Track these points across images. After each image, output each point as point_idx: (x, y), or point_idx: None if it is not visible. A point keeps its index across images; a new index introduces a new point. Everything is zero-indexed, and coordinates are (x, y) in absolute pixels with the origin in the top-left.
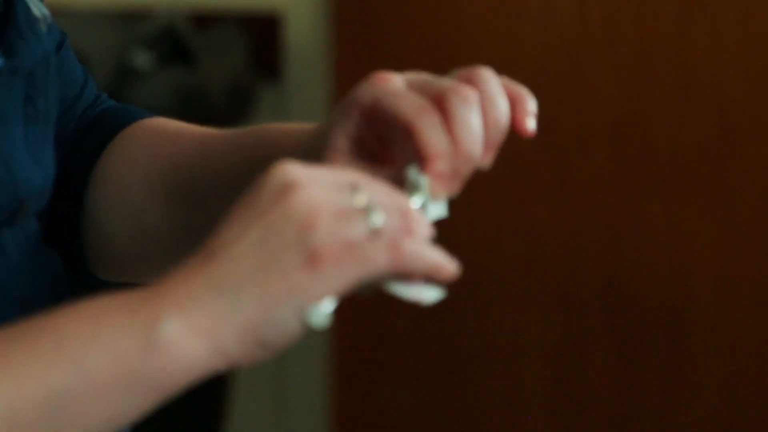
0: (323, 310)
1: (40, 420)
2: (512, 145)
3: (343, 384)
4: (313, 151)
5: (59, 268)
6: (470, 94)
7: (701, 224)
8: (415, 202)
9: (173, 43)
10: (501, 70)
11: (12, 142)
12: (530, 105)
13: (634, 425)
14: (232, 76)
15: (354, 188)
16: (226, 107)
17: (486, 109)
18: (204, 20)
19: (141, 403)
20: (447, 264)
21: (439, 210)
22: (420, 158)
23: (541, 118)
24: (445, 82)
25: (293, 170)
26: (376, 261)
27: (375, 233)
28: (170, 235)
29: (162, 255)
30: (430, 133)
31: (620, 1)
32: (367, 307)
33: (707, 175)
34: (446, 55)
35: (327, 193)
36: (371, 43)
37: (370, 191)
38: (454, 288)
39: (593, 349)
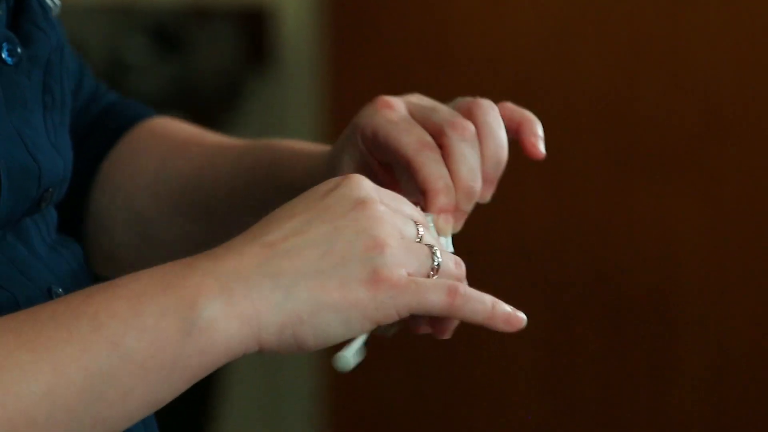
0: (354, 346)
1: (78, 403)
2: None
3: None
4: (321, 175)
5: (81, 257)
6: (469, 130)
7: (689, 214)
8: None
9: (166, 35)
10: (491, 58)
11: (34, 130)
12: (538, 129)
13: (622, 415)
14: (225, 68)
15: (415, 222)
16: (219, 99)
17: (485, 143)
18: (197, 12)
19: (178, 385)
20: (507, 317)
21: (446, 246)
22: (421, 193)
23: (527, 104)
24: (444, 115)
25: (369, 186)
26: (432, 299)
27: (435, 271)
28: (173, 243)
29: (163, 260)
30: (430, 169)
31: None
32: None
33: (695, 164)
34: (439, 46)
35: (397, 220)
36: (363, 34)
37: (427, 231)
38: None
39: (581, 339)
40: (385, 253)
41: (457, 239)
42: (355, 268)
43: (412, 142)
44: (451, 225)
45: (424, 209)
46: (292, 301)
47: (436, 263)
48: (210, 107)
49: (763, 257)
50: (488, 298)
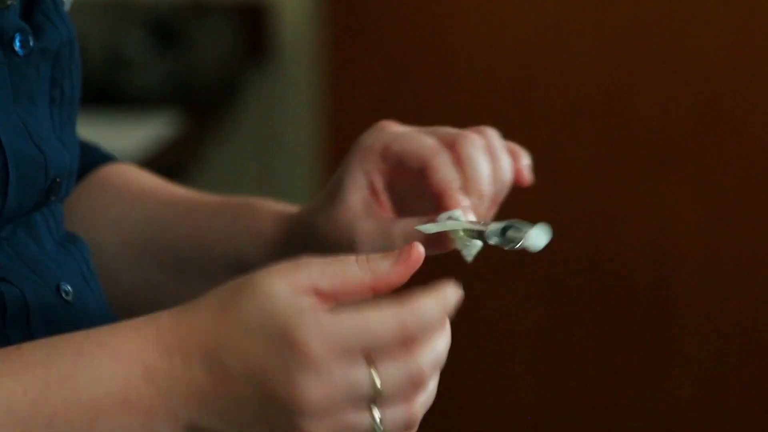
0: None
1: None
2: (493, 122)
3: None
4: (304, 226)
5: (87, 255)
6: (479, 140)
7: (687, 207)
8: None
9: (165, 30)
10: (489, 53)
11: (39, 123)
12: (526, 159)
13: (620, 405)
14: (223, 63)
15: (368, 358)
16: (218, 94)
17: (494, 161)
18: (195, 7)
19: None
20: None
21: (476, 246)
22: (435, 196)
23: (524, 96)
24: (452, 130)
25: (312, 340)
26: None
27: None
28: (132, 287)
29: (117, 299)
30: (447, 169)
31: None
32: None
33: (692, 158)
34: (438, 40)
35: (337, 386)
36: (362, 29)
37: (383, 361)
38: (438, 270)
39: (579, 333)
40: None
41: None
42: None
43: (429, 144)
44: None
45: (441, 209)
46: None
47: (374, 424)
48: (208, 102)
49: (760, 249)
50: None
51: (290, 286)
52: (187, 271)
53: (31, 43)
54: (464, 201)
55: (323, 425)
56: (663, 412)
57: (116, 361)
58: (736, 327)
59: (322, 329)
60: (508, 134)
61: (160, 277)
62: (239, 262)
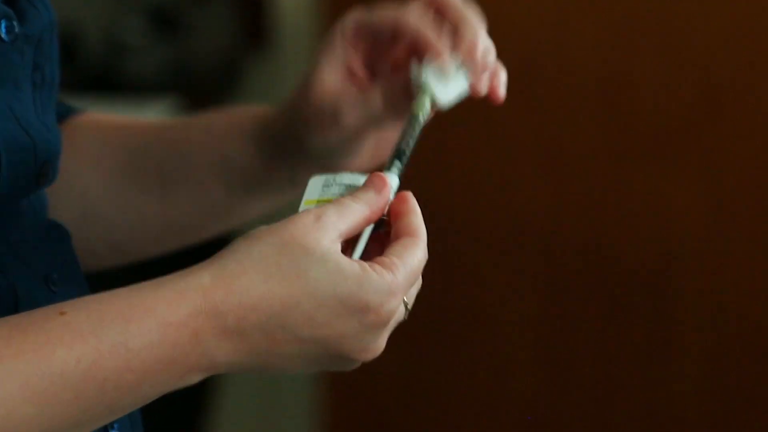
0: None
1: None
2: (493, 113)
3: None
4: (284, 111)
5: (70, 243)
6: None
7: (687, 197)
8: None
9: (164, 17)
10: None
11: (24, 107)
12: (503, 75)
13: (619, 393)
14: (223, 50)
15: (405, 304)
16: (217, 80)
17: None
18: None
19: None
20: None
21: (458, 87)
22: (418, 51)
23: (524, 86)
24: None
25: (390, 309)
26: None
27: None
28: (118, 218)
29: (106, 241)
30: (423, 20)
31: None
32: None
33: (691, 142)
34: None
35: (387, 331)
36: None
37: (412, 294)
38: (436, 257)
39: (579, 325)
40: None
41: (452, 217)
42: (329, 362)
43: (411, 11)
44: (453, 65)
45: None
46: (262, 367)
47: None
48: (208, 89)
49: (761, 241)
50: None
51: (336, 244)
52: (170, 183)
53: (16, 29)
54: (444, 50)
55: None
56: (663, 405)
57: (165, 328)
58: (737, 320)
59: (389, 290)
60: (508, 126)
61: (143, 198)
62: (223, 162)
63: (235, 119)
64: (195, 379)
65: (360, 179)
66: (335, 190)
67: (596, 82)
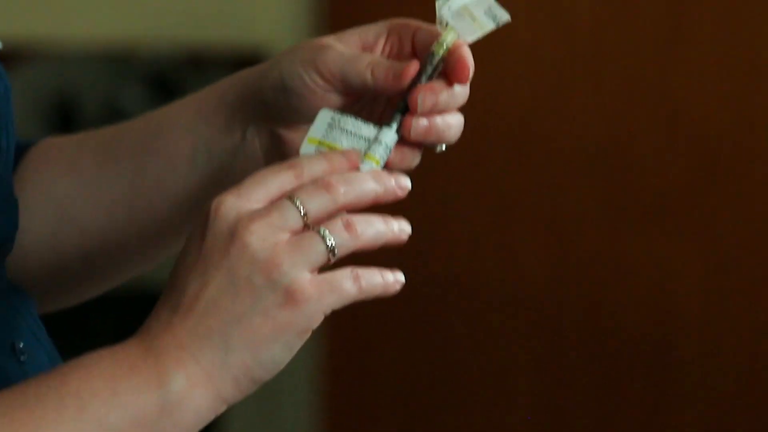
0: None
1: None
2: (495, 177)
3: (333, 407)
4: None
5: (32, 307)
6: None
7: (685, 257)
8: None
9: (163, 83)
10: (487, 105)
11: None
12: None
13: None
14: None
15: (291, 197)
16: None
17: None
18: (193, 60)
19: None
20: (393, 282)
21: (484, 26)
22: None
23: (526, 152)
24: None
25: (231, 207)
26: (348, 289)
27: (332, 253)
28: (91, 219)
29: (79, 250)
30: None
31: (605, 37)
32: (358, 331)
33: (689, 206)
34: None
35: (273, 221)
36: None
37: (305, 195)
38: (438, 319)
39: (577, 385)
40: (283, 268)
41: (454, 280)
42: (268, 296)
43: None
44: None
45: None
46: (233, 354)
47: (330, 245)
48: None
49: (760, 304)
50: (376, 271)
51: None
52: (142, 159)
53: None
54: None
55: (288, 260)
56: None
57: (116, 354)
58: (735, 383)
59: (229, 201)
60: (507, 186)
61: (115, 188)
62: (193, 138)
63: (201, 98)
64: (176, 383)
65: (362, 128)
66: (337, 134)
67: (595, 145)
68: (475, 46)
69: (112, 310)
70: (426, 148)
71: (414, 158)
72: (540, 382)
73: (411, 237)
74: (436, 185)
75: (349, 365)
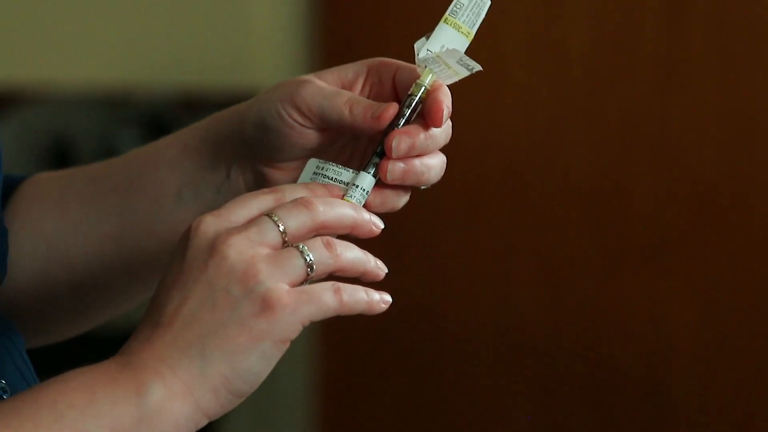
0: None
1: None
2: (491, 221)
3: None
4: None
5: (20, 344)
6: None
7: (679, 301)
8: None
9: (158, 126)
10: (481, 145)
11: None
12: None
13: None
14: None
15: (269, 214)
16: None
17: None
18: (188, 103)
19: None
20: (378, 301)
21: (460, 72)
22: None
23: (522, 196)
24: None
25: (210, 224)
26: (327, 301)
27: (311, 268)
28: (80, 253)
29: (68, 282)
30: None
31: (600, 79)
32: (356, 372)
33: (686, 251)
34: None
35: (251, 235)
36: None
37: (284, 212)
38: (435, 362)
39: (572, 426)
40: (260, 277)
41: (450, 321)
42: (245, 306)
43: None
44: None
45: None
46: (211, 365)
47: (308, 259)
48: None
49: (753, 347)
50: (360, 288)
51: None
52: (129, 195)
53: None
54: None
55: (266, 271)
56: None
57: (95, 369)
58: (730, 425)
59: (209, 219)
60: (503, 230)
61: (104, 220)
62: (178, 175)
63: (186, 136)
64: (154, 393)
65: (342, 173)
66: (319, 181)
67: (590, 189)
68: (471, 92)
69: (101, 347)
70: (412, 186)
71: (398, 199)
72: (535, 425)
73: (407, 280)
74: (432, 228)
75: (345, 375)
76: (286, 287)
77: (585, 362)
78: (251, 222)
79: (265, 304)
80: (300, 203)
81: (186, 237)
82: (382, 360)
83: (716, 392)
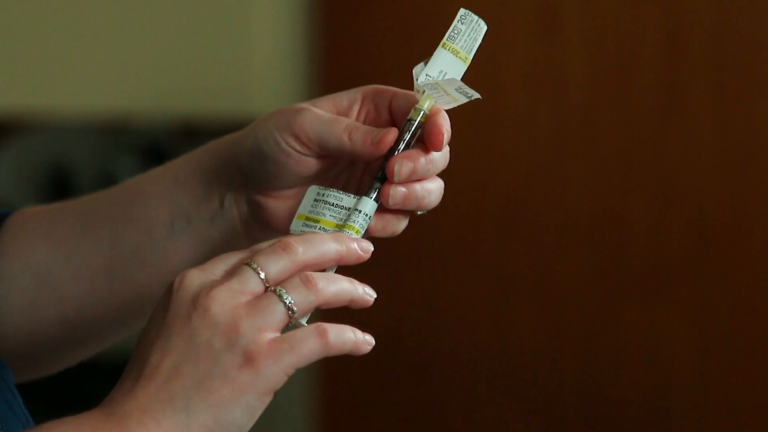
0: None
1: None
2: (490, 248)
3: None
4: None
5: (9, 379)
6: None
7: (679, 330)
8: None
9: (158, 154)
10: (479, 173)
11: None
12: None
13: None
14: None
15: (248, 262)
16: None
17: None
18: (187, 130)
19: None
20: (364, 342)
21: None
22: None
23: (521, 223)
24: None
25: (194, 278)
26: (310, 348)
27: (292, 311)
28: (70, 286)
29: (58, 316)
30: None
31: (598, 108)
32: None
33: (684, 279)
34: None
35: (233, 286)
36: None
37: (262, 258)
38: (433, 390)
39: None
40: (241, 330)
41: (448, 351)
42: (227, 359)
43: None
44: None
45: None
46: (195, 416)
47: (288, 302)
48: None
49: (754, 376)
50: (347, 327)
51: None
52: (120, 226)
53: None
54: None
55: (247, 322)
56: None
57: (80, 421)
58: None
59: (193, 273)
60: (502, 257)
61: (93, 253)
62: (170, 206)
63: (178, 166)
64: None
65: (343, 199)
66: (321, 208)
67: (589, 217)
68: (469, 119)
69: (91, 380)
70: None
71: (398, 224)
72: None
73: (408, 307)
74: (432, 256)
75: (345, 375)
76: (268, 337)
77: (583, 392)
78: (232, 273)
79: (247, 357)
80: (278, 246)
81: (170, 290)
82: (380, 373)
83: (715, 422)
